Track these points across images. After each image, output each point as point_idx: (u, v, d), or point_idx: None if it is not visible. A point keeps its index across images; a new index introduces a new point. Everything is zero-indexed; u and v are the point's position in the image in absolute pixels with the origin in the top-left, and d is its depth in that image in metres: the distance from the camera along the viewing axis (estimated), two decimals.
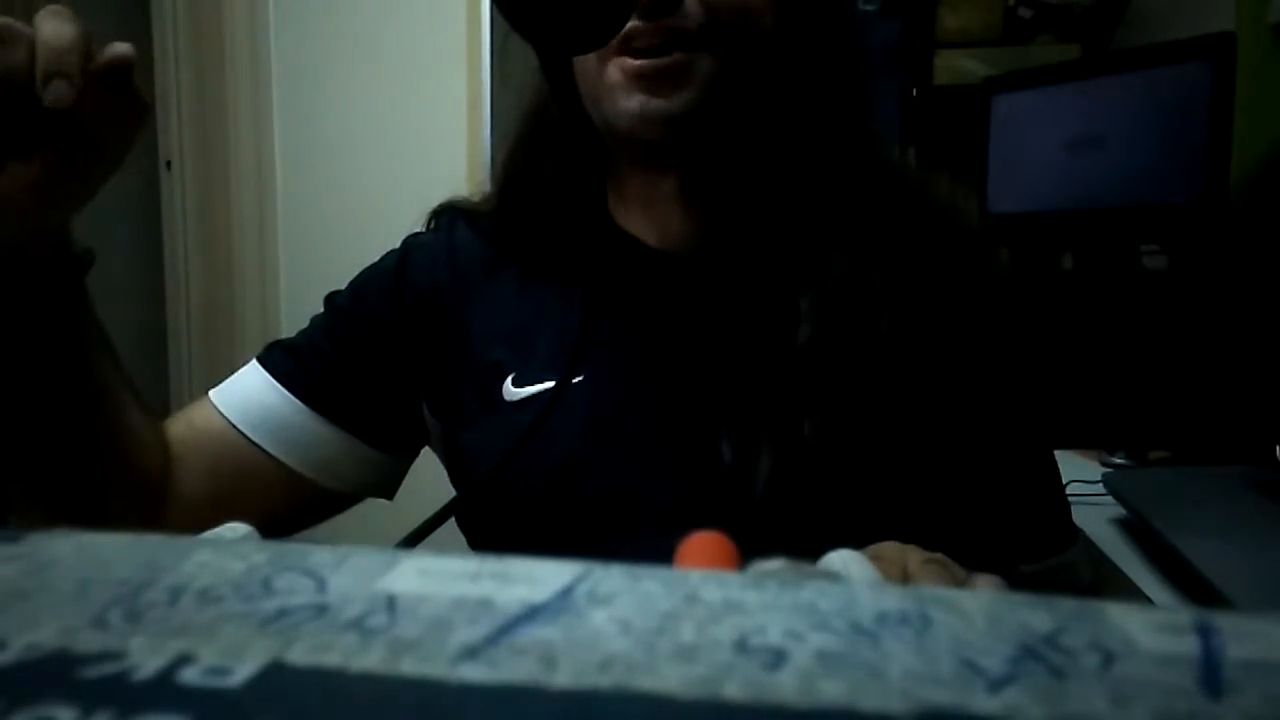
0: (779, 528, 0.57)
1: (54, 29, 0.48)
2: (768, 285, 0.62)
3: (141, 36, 2.07)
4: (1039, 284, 1.42)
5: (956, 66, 1.93)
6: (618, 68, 0.58)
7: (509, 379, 0.64)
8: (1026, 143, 1.55)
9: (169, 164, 2.09)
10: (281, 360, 0.69)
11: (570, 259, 0.66)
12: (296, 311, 2.06)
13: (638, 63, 0.57)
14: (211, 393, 0.69)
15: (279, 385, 0.67)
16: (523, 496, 0.63)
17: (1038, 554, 0.66)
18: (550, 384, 0.62)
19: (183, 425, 0.68)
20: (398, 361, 0.69)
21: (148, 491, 0.64)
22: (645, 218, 0.66)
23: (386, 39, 1.95)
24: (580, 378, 0.62)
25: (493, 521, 0.66)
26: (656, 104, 0.58)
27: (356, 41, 1.97)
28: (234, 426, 0.66)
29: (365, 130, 1.98)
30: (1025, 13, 1.96)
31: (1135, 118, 1.40)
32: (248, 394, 0.67)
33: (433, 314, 0.69)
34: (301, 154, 2.03)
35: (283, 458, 0.66)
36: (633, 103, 0.58)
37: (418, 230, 0.74)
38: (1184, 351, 1.35)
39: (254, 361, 0.69)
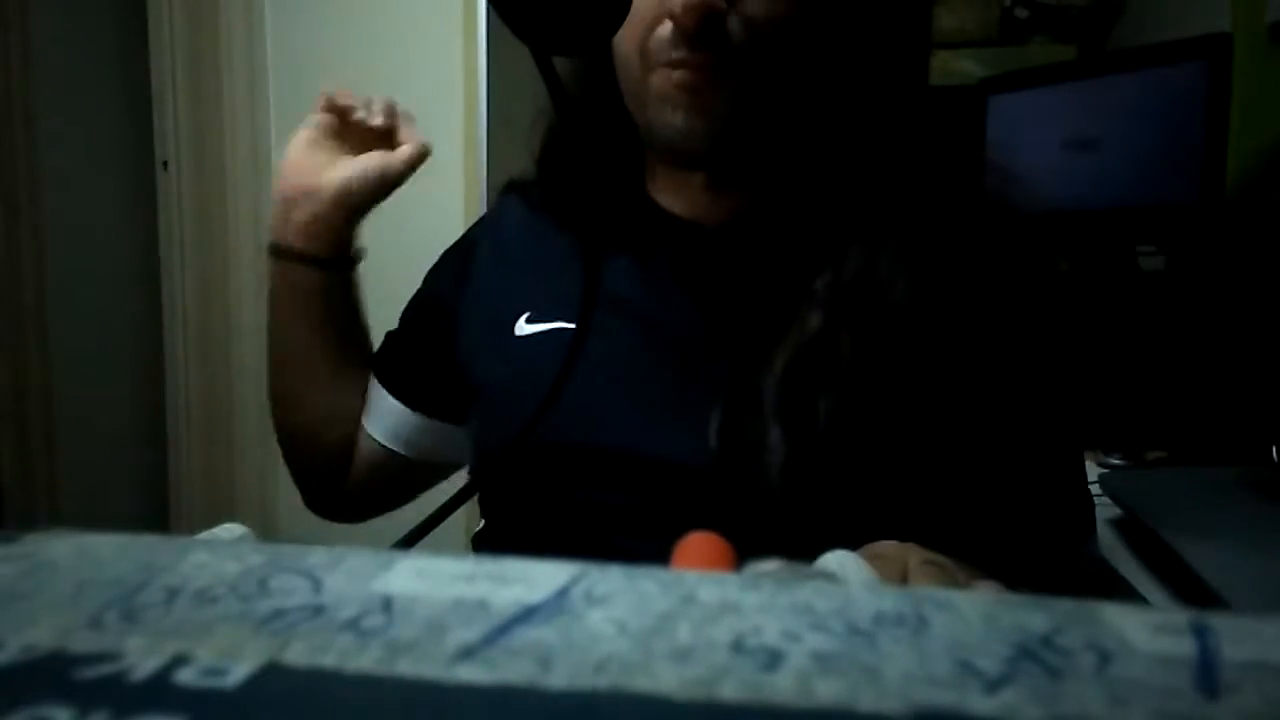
0: (780, 511, 0.57)
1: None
2: (794, 260, 0.63)
3: (138, 36, 2.06)
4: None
5: (953, 67, 1.93)
6: (663, 78, 0.59)
7: (523, 317, 0.68)
8: (1023, 143, 1.55)
9: (165, 164, 2.08)
10: (382, 359, 0.82)
11: (600, 220, 0.68)
12: None
13: (680, 74, 0.59)
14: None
15: (379, 385, 0.81)
16: (536, 442, 0.64)
17: (1059, 544, 0.65)
18: (558, 324, 0.66)
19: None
20: (450, 332, 0.75)
21: (340, 456, 0.82)
22: (675, 196, 0.68)
23: (383, 38, 1.94)
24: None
25: (509, 470, 0.68)
26: (698, 124, 0.59)
27: (353, 41, 1.96)
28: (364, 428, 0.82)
29: None
30: (1021, 13, 1.96)
31: (1131, 118, 1.40)
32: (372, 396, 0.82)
33: (470, 274, 0.75)
34: None
35: (385, 441, 0.81)
36: (676, 119, 0.60)
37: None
38: (1181, 352, 1.35)
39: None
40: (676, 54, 0.58)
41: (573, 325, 0.64)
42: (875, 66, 0.64)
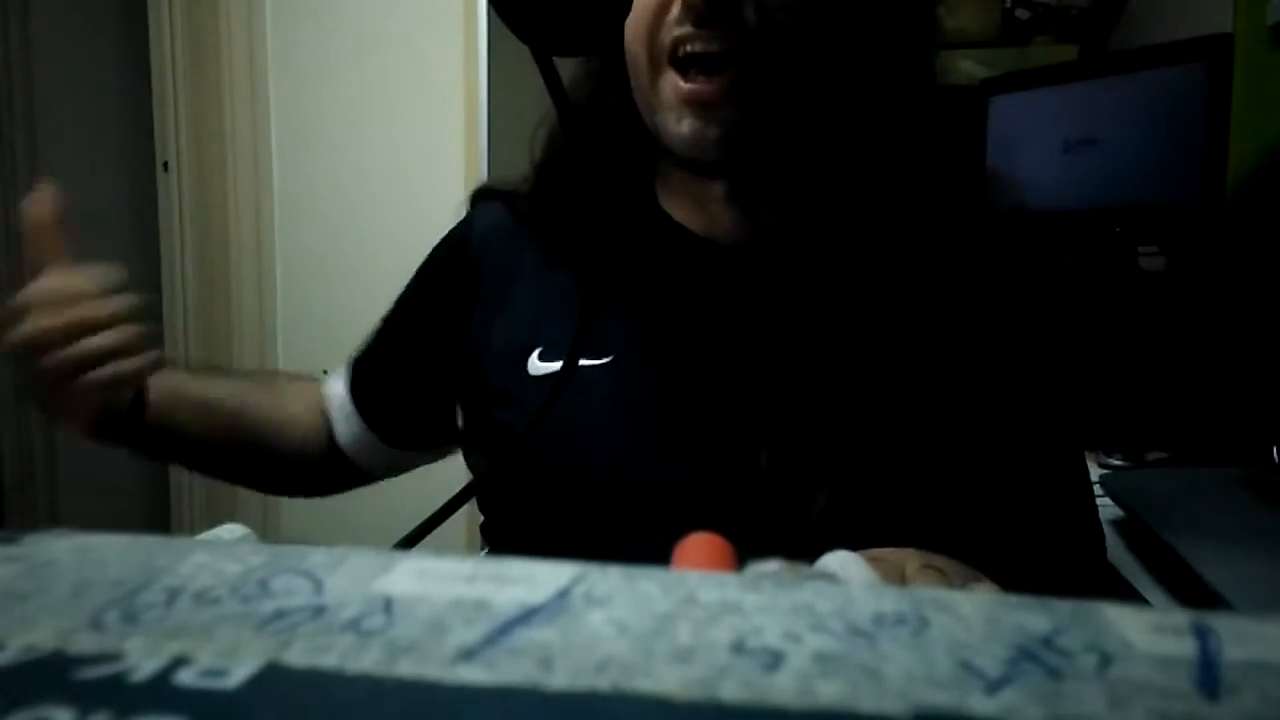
0: (804, 529, 0.56)
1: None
2: (815, 280, 0.61)
3: (138, 36, 2.06)
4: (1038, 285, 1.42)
5: (954, 68, 1.93)
6: (670, 86, 0.58)
7: (535, 354, 0.65)
8: (1024, 144, 1.55)
9: (165, 165, 2.08)
10: (355, 373, 0.80)
11: (608, 239, 0.65)
12: (293, 312, 2.06)
13: (689, 87, 0.56)
14: (331, 377, 0.82)
15: (349, 399, 0.79)
16: (541, 475, 0.62)
17: (1069, 559, 0.65)
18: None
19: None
20: (437, 356, 0.73)
21: (311, 455, 0.79)
22: (692, 210, 0.66)
23: (383, 39, 1.94)
24: (609, 358, 0.62)
25: (512, 504, 0.66)
26: (709, 131, 0.57)
27: (353, 41, 1.96)
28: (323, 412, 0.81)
29: (363, 130, 1.98)
30: (1023, 14, 1.96)
31: (1132, 119, 1.40)
32: (335, 393, 0.81)
33: (467, 298, 0.71)
34: (299, 155, 2.03)
35: (354, 459, 0.80)
36: (683, 128, 0.58)
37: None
38: (1181, 353, 1.35)
39: (346, 363, 0.82)
40: (682, 30, 0.56)
41: (588, 362, 0.62)
42: (893, 67, 0.62)
